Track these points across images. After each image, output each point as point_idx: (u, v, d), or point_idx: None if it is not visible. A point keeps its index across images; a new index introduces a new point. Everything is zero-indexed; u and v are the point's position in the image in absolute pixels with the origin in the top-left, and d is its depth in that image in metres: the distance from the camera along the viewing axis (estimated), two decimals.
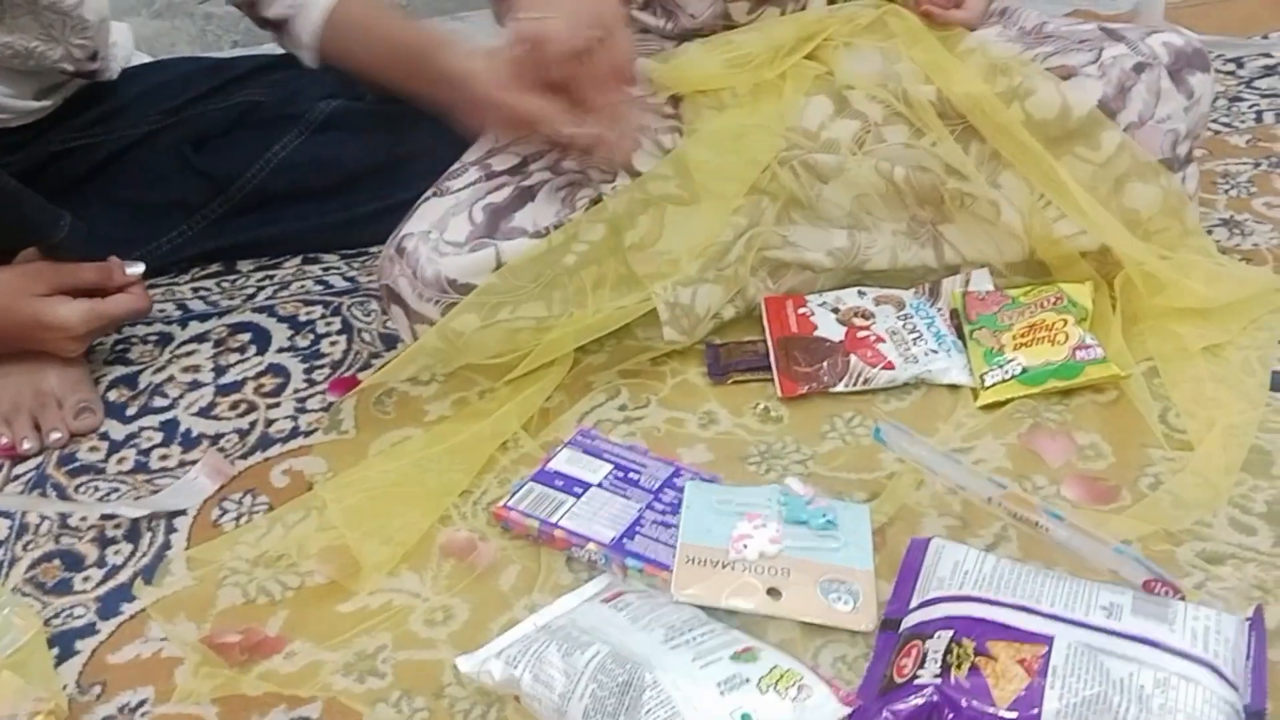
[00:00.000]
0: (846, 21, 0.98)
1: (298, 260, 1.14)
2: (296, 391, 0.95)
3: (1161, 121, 0.87)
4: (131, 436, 0.92)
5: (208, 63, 1.20)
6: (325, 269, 1.12)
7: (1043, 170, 0.88)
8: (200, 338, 1.03)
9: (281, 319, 1.05)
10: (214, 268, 1.14)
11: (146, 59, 1.21)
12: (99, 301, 0.94)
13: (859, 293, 0.96)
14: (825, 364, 0.88)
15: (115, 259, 0.97)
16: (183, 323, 1.06)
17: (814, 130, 0.95)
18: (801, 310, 0.94)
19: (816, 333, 0.91)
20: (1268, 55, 1.40)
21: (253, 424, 0.91)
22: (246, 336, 1.03)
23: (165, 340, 1.03)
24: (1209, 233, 1.03)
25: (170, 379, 0.98)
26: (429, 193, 0.92)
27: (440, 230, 0.87)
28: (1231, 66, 1.39)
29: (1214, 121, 1.25)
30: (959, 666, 0.59)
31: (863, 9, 0.99)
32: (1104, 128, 0.86)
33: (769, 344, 0.91)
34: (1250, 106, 1.29)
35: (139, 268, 0.97)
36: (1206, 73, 0.89)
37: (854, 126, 0.94)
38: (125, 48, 1.19)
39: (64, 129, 1.11)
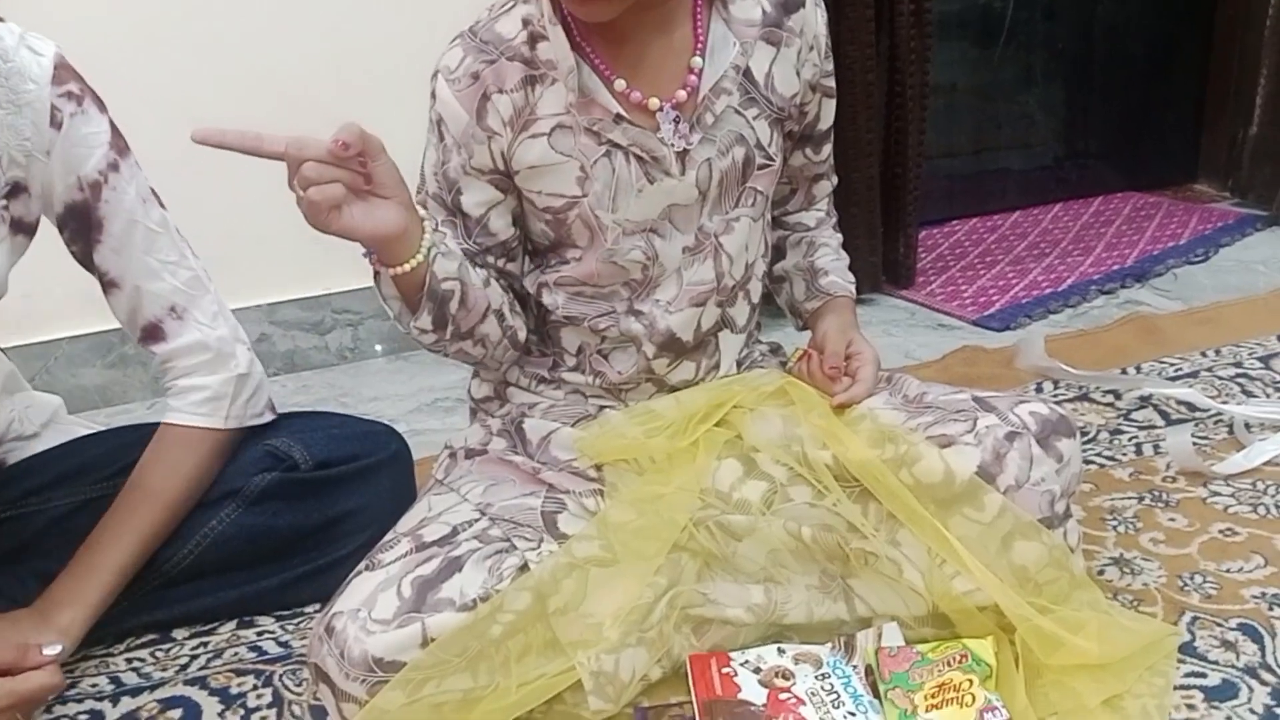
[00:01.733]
0: (752, 390, 1.08)
1: (233, 624, 1.15)
2: None
3: (1037, 484, 0.95)
4: None
5: (139, 433, 1.24)
6: (260, 633, 1.14)
7: (933, 531, 0.95)
8: (131, 715, 1.03)
9: (213, 691, 1.05)
10: (149, 636, 1.15)
11: (81, 430, 1.26)
12: (9, 680, 0.94)
13: (779, 649, 1.00)
14: None
15: (35, 636, 0.98)
16: (114, 698, 1.06)
17: (726, 492, 1.02)
18: (725, 670, 0.97)
19: (740, 694, 0.94)
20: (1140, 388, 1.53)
21: None
22: (177, 714, 1.03)
23: (96, 718, 1.03)
24: (1100, 573, 1.10)
25: None
26: (362, 565, 0.96)
27: (369, 608, 0.90)
28: (1110, 399, 1.51)
29: (1097, 455, 1.35)
30: None
31: (766, 376, 1.10)
32: (985, 491, 0.94)
33: (695, 708, 0.94)
34: (1130, 439, 1.39)
35: (56, 648, 0.99)
36: (1072, 438, 0.98)
37: (762, 488, 1.02)
38: (45, 411, 1.23)
39: None
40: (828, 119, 1.12)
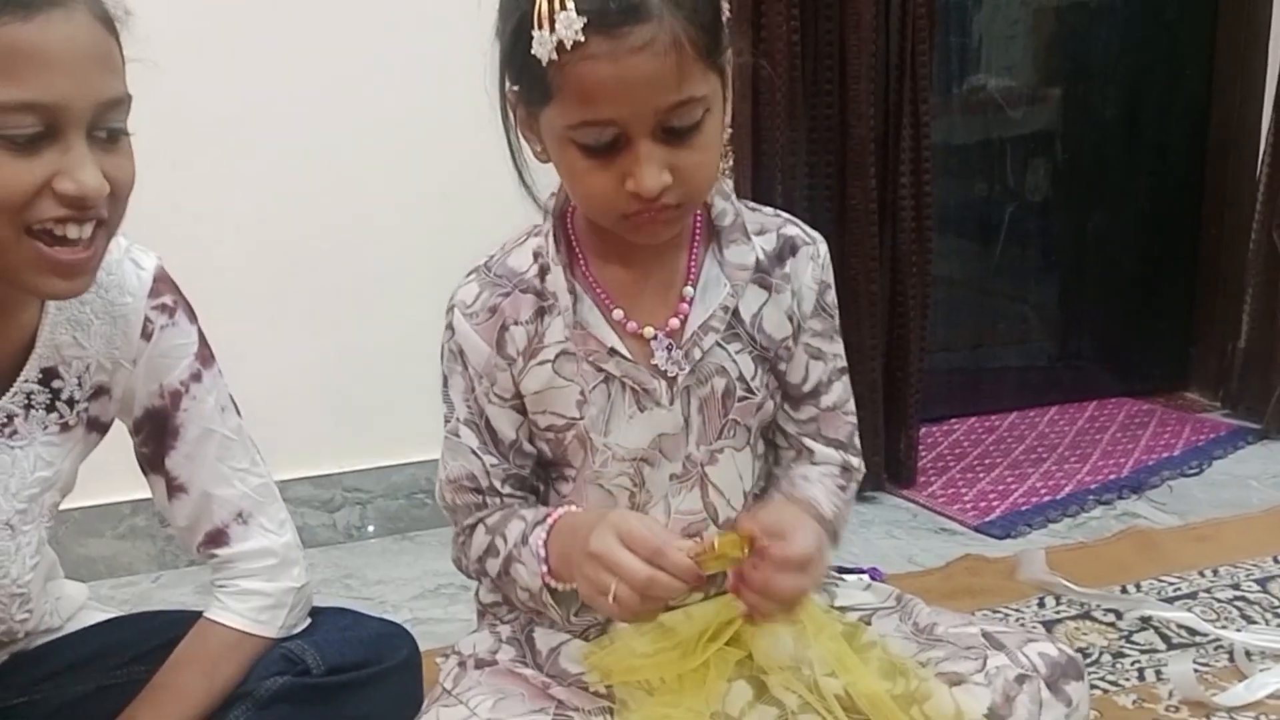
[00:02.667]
0: None
1: None
2: None
3: None
4: None
5: (161, 619, 1.25)
6: None
7: None
8: None
9: None
10: None
11: (99, 616, 1.26)
12: None
13: None
14: None
15: None
16: None
17: (736, 717, 1.02)
18: None
19: None
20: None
21: None
22: None
23: None
24: None
25: None
26: None
27: None
28: (1111, 617, 1.53)
29: (1100, 680, 1.36)
30: None
31: None
32: None
33: None
34: (1133, 663, 1.40)
35: None
36: (1080, 680, 1.00)
37: (773, 714, 1.02)
38: (74, 602, 1.24)
39: (9, 686, 1.12)
40: (812, 380, 1.08)
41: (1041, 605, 1.58)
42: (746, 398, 1.06)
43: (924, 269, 1.99)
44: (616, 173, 0.90)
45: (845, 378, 1.12)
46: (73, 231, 0.84)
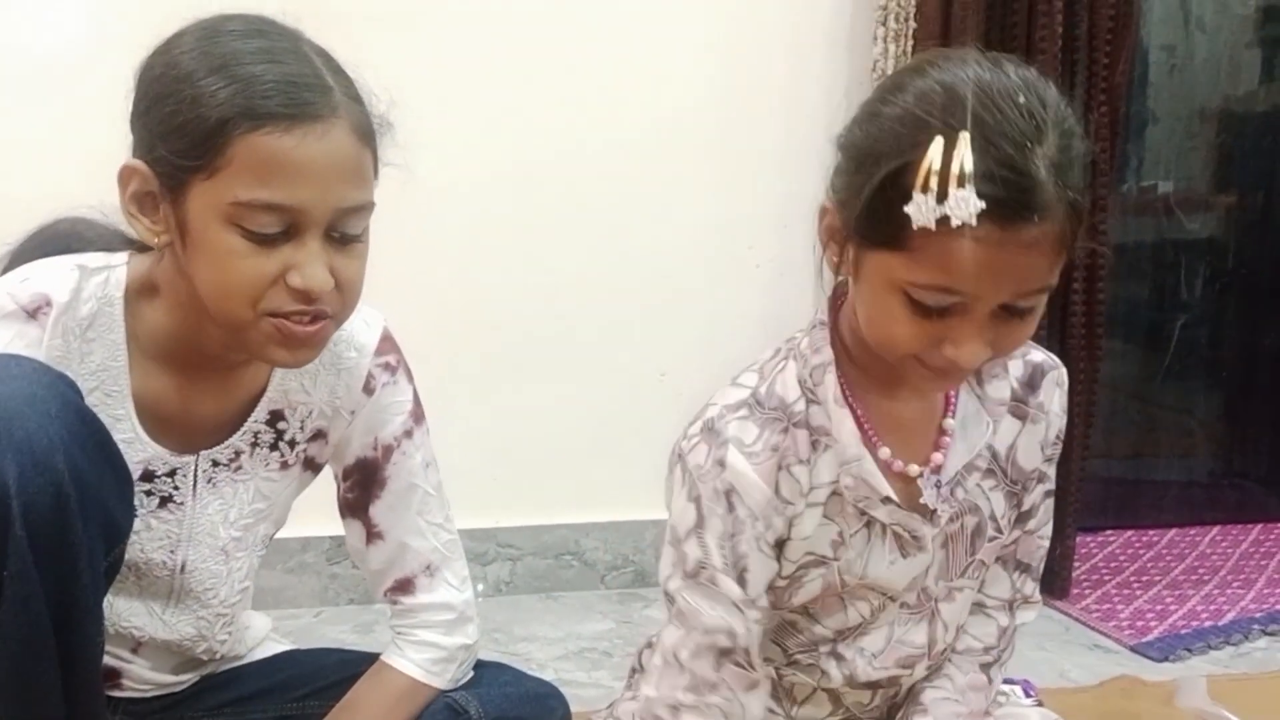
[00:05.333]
0: None
1: None
2: None
3: None
4: None
5: (337, 657, 1.31)
6: None
7: None
8: None
9: None
10: None
11: (278, 648, 1.33)
12: None
13: None
14: None
15: None
16: None
17: None
18: None
19: None
20: None
21: None
22: None
23: None
24: None
25: None
26: None
27: None
28: None
29: None
30: None
31: None
32: None
33: None
34: None
35: None
36: None
37: None
38: (259, 633, 1.31)
39: (195, 707, 1.19)
40: (1030, 504, 1.06)
41: None
42: (995, 537, 1.03)
43: (1092, 375, 1.96)
44: (934, 333, 0.86)
45: (1051, 500, 1.08)
46: (296, 320, 0.91)
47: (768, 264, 2.03)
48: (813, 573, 1.00)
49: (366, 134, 0.93)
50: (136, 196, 0.93)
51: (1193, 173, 2.53)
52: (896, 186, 0.82)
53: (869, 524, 0.99)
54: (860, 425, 0.97)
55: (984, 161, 0.79)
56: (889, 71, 1.85)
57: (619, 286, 1.98)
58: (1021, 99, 0.82)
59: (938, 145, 0.80)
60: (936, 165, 0.79)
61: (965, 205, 0.79)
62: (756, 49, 1.97)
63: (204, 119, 0.87)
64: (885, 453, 0.97)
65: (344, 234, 0.92)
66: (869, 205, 0.86)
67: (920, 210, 0.80)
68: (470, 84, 1.88)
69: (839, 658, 1.04)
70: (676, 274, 2.00)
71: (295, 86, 0.88)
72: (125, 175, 0.92)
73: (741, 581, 0.96)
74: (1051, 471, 1.07)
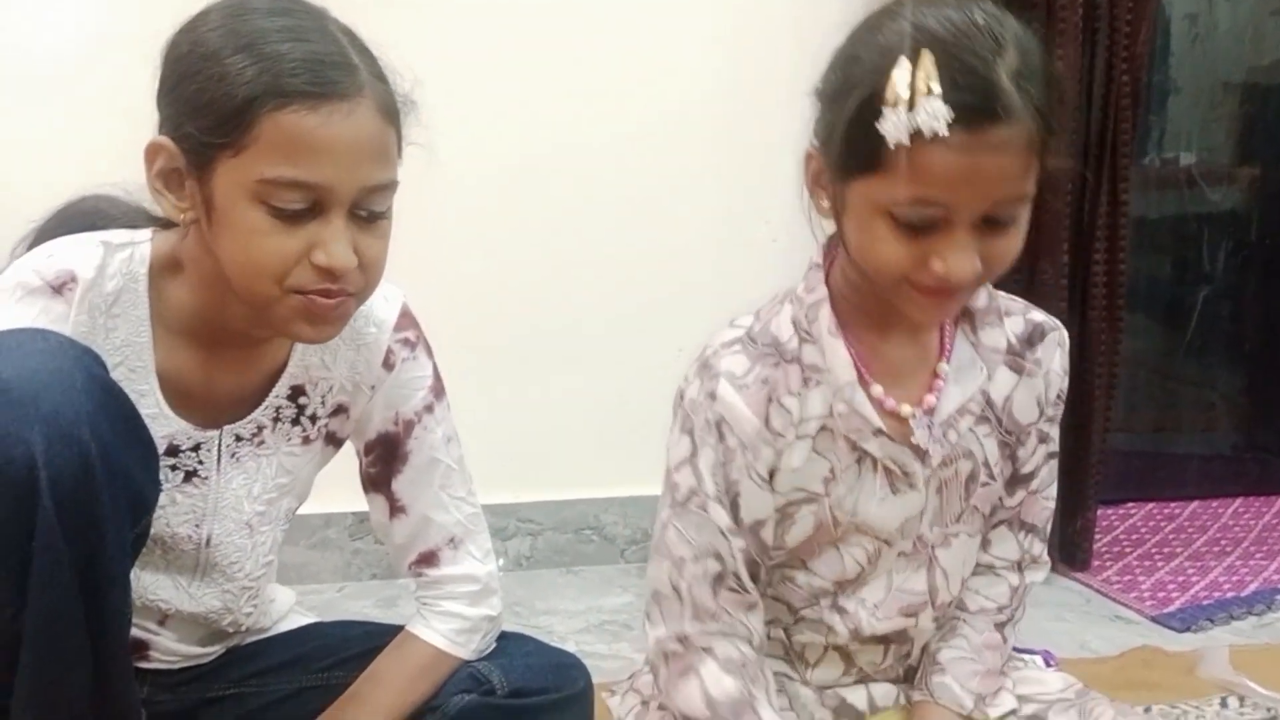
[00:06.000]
0: None
1: None
2: None
3: None
4: None
5: (361, 629, 1.32)
6: None
7: None
8: None
9: None
10: None
11: (303, 620, 1.34)
12: None
13: None
14: None
15: None
16: None
17: None
18: None
19: None
20: None
21: None
22: None
23: None
24: None
25: None
26: None
27: None
28: None
29: None
30: None
31: None
32: None
33: None
34: None
35: None
36: None
37: None
38: (284, 606, 1.33)
39: (221, 678, 1.21)
40: (1033, 464, 1.09)
41: (1224, 705, 1.51)
42: (988, 483, 1.05)
43: (1113, 348, 1.95)
44: (921, 251, 0.90)
45: (1054, 462, 1.11)
46: (322, 299, 0.92)
47: (784, 238, 2.02)
48: (804, 509, 1.02)
49: (391, 113, 0.94)
50: (163, 173, 0.93)
51: (1215, 144, 2.51)
52: (869, 110, 0.87)
53: (860, 459, 1.01)
54: (853, 359, 1.00)
55: (948, 73, 0.84)
56: None
57: (636, 265, 1.98)
58: (981, 20, 0.87)
59: (904, 64, 0.85)
60: (904, 82, 0.84)
61: (933, 113, 0.83)
62: (764, 37, 1.96)
63: (231, 96, 0.88)
64: (878, 390, 1.00)
65: (370, 212, 0.93)
66: (846, 136, 0.90)
67: (893, 125, 0.85)
68: (478, 73, 1.88)
69: (841, 610, 1.05)
70: (692, 251, 2.00)
71: (322, 65, 0.89)
72: (151, 152, 0.93)
73: (734, 507, 0.99)
74: (1054, 433, 1.09)
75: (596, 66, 1.93)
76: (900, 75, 0.84)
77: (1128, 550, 2.13)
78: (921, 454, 1.01)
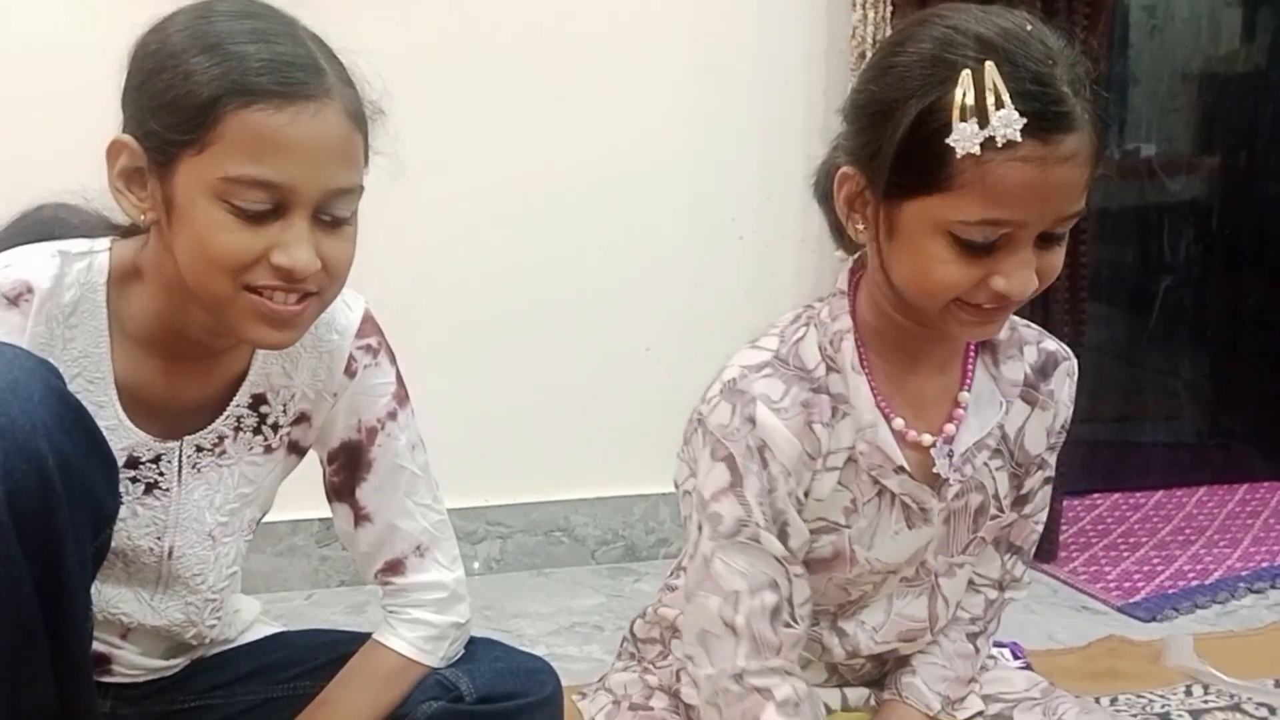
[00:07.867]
0: None
1: None
2: None
3: None
4: None
5: (328, 637, 1.31)
6: None
7: None
8: None
9: None
10: None
11: (268, 630, 1.33)
12: None
13: None
14: None
15: None
16: None
17: None
18: None
19: None
20: None
21: None
22: None
23: None
24: None
25: None
26: None
27: None
28: (1264, 712, 1.47)
29: None
30: None
31: None
32: None
33: None
34: None
35: None
36: None
37: None
38: (249, 616, 1.31)
39: (186, 690, 1.19)
40: (1029, 488, 1.08)
41: (1189, 694, 1.53)
42: (996, 515, 1.05)
43: (1076, 339, 1.96)
44: (981, 270, 0.87)
45: (1049, 487, 1.10)
46: (279, 299, 0.91)
47: (751, 235, 2.03)
48: (824, 538, 1.01)
49: (359, 118, 0.93)
50: (125, 172, 0.92)
51: (1175, 134, 2.53)
52: (928, 125, 0.84)
53: (880, 493, 1.00)
54: (875, 394, 0.98)
55: (1014, 83, 0.82)
56: (868, 39, 1.85)
57: (602, 264, 1.98)
58: (1029, 28, 0.85)
59: (967, 75, 0.82)
60: (971, 93, 0.81)
61: (1008, 123, 0.81)
62: (735, 19, 1.96)
63: (195, 94, 0.87)
64: (899, 423, 0.98)
65: (333, 216, 0.92)
66: (900, 153, 0.86)
67: (964, 137, 0.82)
68: (448, 62, 1.87)
69: (840, 633, 1.06)
70: (659, 250, 2.00)
71: (289, 66, 0.88)
72: (114, 150, 0.92)
73: (783, 536, 0.96)
74: (1052, 459, 1.08)
75: (568, 67, 1.92)
76: (967, 86, 0.81)
77: (1094, 541, 2.15)
78: (939, 488, 1.00)
